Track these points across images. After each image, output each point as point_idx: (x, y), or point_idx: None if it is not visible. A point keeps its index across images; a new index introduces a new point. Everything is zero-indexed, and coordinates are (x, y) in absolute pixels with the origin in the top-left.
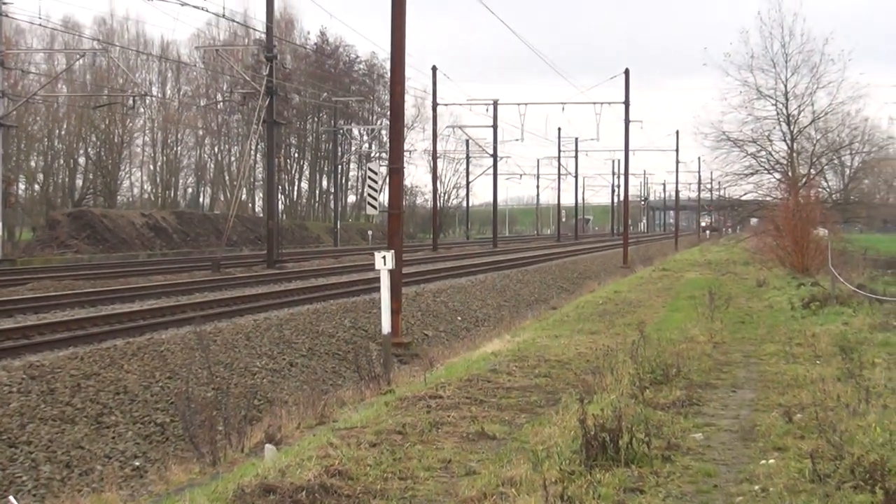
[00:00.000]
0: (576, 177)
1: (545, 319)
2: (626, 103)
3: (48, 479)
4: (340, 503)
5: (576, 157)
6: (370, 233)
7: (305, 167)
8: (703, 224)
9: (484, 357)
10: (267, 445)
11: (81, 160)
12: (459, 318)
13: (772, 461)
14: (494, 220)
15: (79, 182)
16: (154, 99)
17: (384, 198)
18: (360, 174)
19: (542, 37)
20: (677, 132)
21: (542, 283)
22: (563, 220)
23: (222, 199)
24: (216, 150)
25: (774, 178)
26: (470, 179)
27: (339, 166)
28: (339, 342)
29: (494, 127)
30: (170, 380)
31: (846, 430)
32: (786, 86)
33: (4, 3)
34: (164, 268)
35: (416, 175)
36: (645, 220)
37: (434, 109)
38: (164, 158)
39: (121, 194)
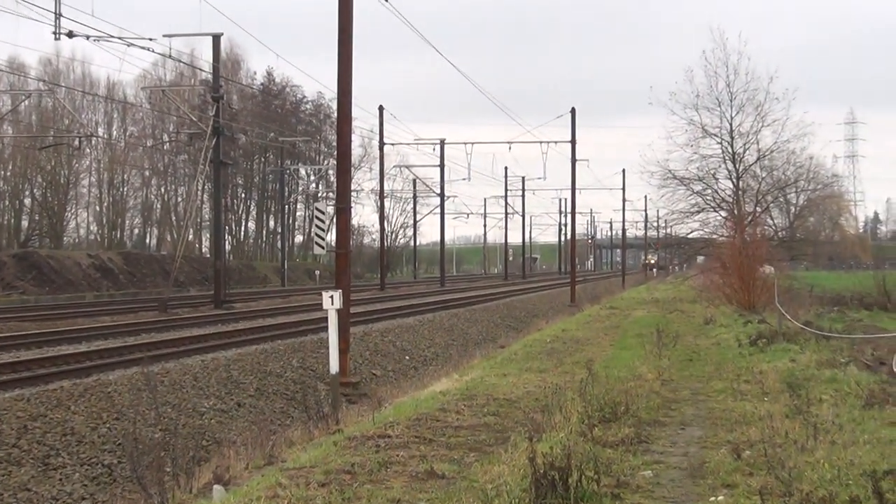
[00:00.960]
0: (522, 216)
1: (493, 358)
2: (573, 142)
3: None
4: None
5: (522, 196)
6: (318, 272)
7: (252, 207)
8: (646, 261)
9: (432, 396)
10: (215, 486)
11: (27, 201)
12: (408, 358)
13: (721, 498)
14: (442, 259)
15: (24, 223)
16: (100, 139)
17: (331, 237)
18: (307, 214)
19: (489, 77)
20: (623, 171)
21: (490, 322)
22: (511, 258)
23: (169, 239)
24: (163, 190)
25: (721, 216)
26: (417, 219)
27: (286, 206)
28: (288, 382)
29: (441, 166)
30: (117, 421)
31: (795, 466)
32: (731, 124)
33: None
34: (111, 308)
35: (364, 214)
36: (592, 259)
37: (381, 149)
38: (111, 199)
39: (67, 235)
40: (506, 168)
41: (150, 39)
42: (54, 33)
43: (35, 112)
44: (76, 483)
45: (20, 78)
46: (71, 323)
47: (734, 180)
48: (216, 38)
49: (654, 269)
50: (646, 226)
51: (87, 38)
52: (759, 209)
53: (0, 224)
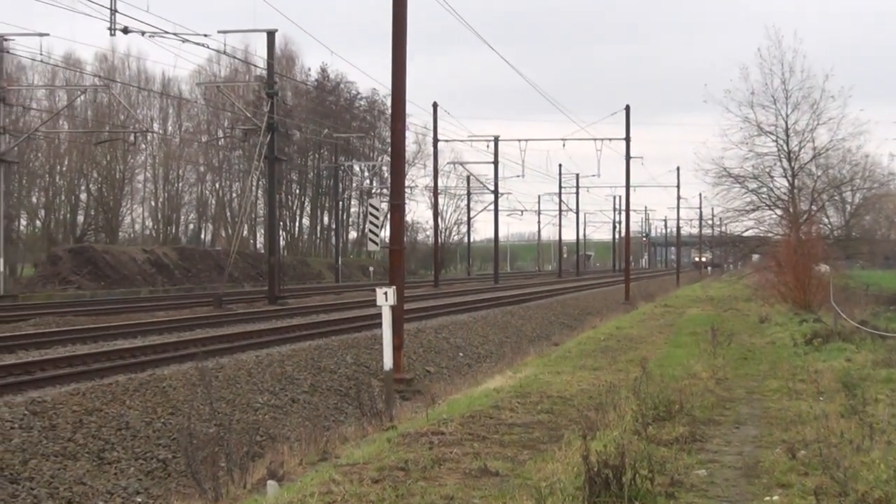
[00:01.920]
0: (577, 213)
1: (547, 356)
2: (627, 139)
3: None
4: None
5: (577, 193)
6: (371, 269)
7: (307, 203)
8: (697, 259)
9: (486, 393)
10: (269, 482)
11: (83, 196)
12: (461, 355)
13: (776, 498)
14: (496, 256)
15: (80, 218)
16: (155, 135)
17: (385, 234)
18: (361, 210)
19: (544, 73)
20: (678, 168)
21: (544, 320)
22: (565, 256)
23: (224, 234)
24: (217, 186)
25: (776, 214)
26: (471, 216)
27: (341, 202)
28: (341, 378)
29: (495, 163)
30: (172, 416)
31: (850, 466)
32: (786, 122)
33: (6, 40)
34: (165, 304)
35: (417, 211)
36: (646, 256)
37: (435, 146)
38: (166, 194)
39: (122, 230)
40: (560, 165)
41: (205, 35)
42: (110, 29)
43: (91, 108)
44: (131, 477)
45: (76, 74)
46: (126, 318)
47: (789, 178)
48: (271, 35)
49: (709, 268)
50: (700, 224)
51: (143, 34)
52: (814, 207)
53: (56, 219)
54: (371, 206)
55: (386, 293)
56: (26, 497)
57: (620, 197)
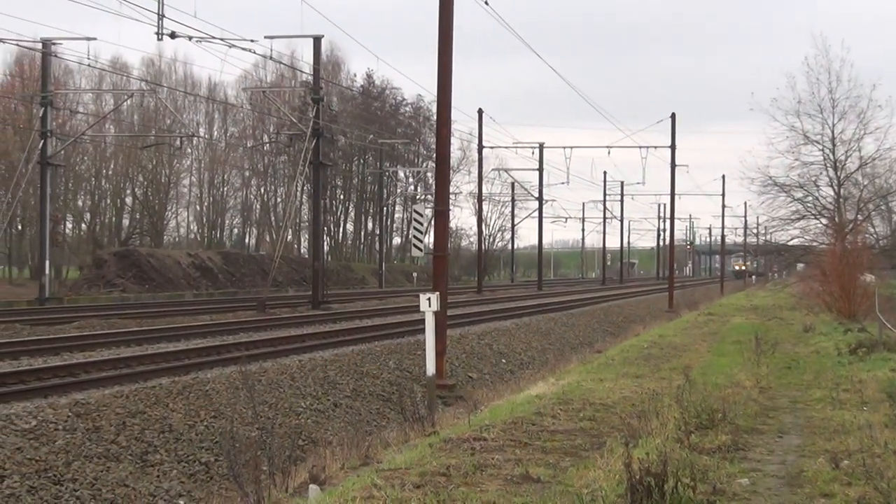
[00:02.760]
0: (621, 220)
1: (590, 363)
2: (672, 147)
3: None
4: None
5: (621, 200)
6: (415, 275)
7: (351, 209)
8: (737, 268)
9: (528, 400)
10: (311, 486)
11: (128, 200)
12: (504, 361)
13: None
14: (539, 262)
15: (125, 221)
16: (201, 140)
17: (429, 240)
18: (405, 216)
19: (590, 81)
20: (723, 177)
21: (587, 327)
22: (609, 263)
23: (268, 239)
24: (262, 190)
25: (821, 223)
26: (515, 222)
27: (385, 208)
28: (384, 383)
29: (540, 170)
30: (215, 419)
31: (894, 477)
32: (833, 131)
33: (54, 44)
34: (209, 307)
35: (462, 217)
36: (690, 265)
37: (480, 152)
38: (211, 199)
39: (167, 234)
40: (605, 172)
41: (252, 41)
42: (157, 34)
43: (137, 112)
44: (173, 480)
45: (123, 78)
46: (170, 321)
47: (835, 188)
48: (317, 40)
49: (754, 277)
50: (745, 232)
51: (189, 38)
52: (860, 217)
53: (102, 222)
54: (415, 212)
55: (429, 299)
56: (69, 498)
57: (665, 205)
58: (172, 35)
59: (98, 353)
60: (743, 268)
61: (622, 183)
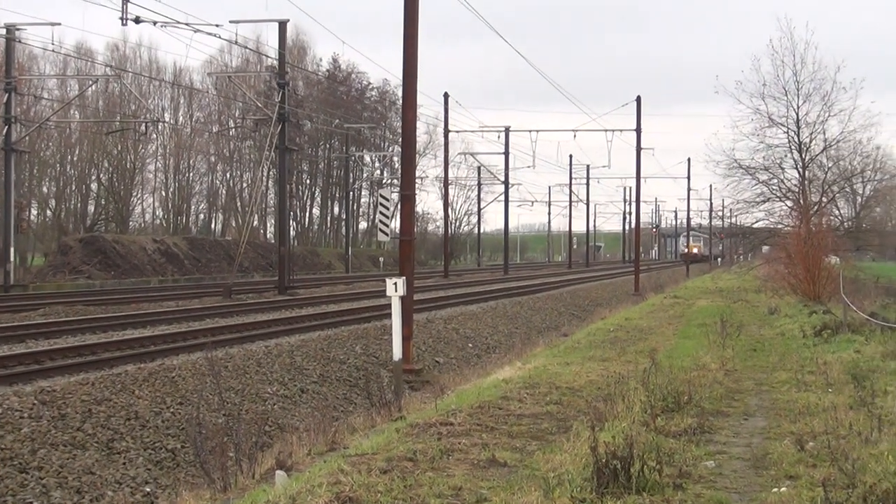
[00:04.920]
0: (587, 204)
1: (556, 346)
2: (638, 130)
3: None
4: None
5: (587, 184)
6: (382, 259)
7: (317, 193)
8: (686, 250)
9: (495, 384)
10: (278, 472)
11: (94, 186)
12: (471, 345)
13: (784, 489)
14: (506, 246)
15: (91, 208)
16: (166, 125)
17: (396, 224)
18: (371, 201)
19: (555, 64)
20: (689, 160)
21: (554, 310)
22: (575, 247)
23: (234, 225)
24: (228, 176)
25: (786, 205)
26: (481, 206)
27: (351, 193)
28: (351, 369)
29: (506, 154)
30: (181, 405)
31: (858, 458)
32: (797, 114)
33: (18, 29)
34: (175, 294)
35: (428, 202)
36: (656, 248)
37: (446, 136)
38: (176, 184)
39: (133, 220)
40: (570, 156)
41: (217, 25)
42: (122, 19)
43: (102, 97)
44: (140, 467)
45: (88, 63)
46: (136, 307)
47: (800, 170)
48: (282, 25)
49: (720, 259)
50: (710, 215)
51: (154, 23)
52: (824, 199)
53: (67, 209)
54: (381, 196)
55: (396, 284)
56: (35, 486)
57: (631, 188)
58: (137, 20)
59: (63, 340)
60: (694, 250)
61: (588, 166)
